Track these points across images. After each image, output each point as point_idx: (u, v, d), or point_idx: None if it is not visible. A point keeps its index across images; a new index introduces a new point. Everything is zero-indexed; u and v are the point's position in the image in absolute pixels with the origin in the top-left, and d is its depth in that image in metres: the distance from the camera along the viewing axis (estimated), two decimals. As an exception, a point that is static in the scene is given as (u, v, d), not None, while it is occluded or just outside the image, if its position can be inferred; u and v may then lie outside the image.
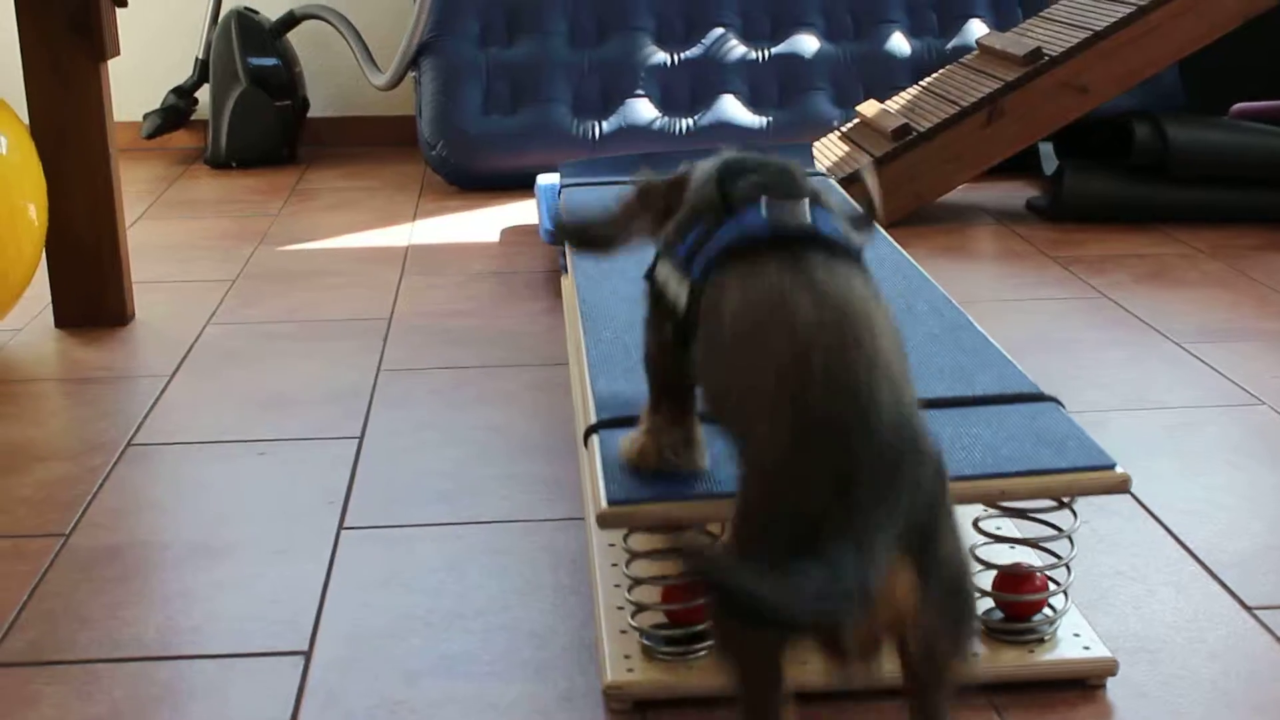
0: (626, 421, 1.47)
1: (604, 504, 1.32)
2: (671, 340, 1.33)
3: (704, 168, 1.36)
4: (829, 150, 3.49)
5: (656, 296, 1.36)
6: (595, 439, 1.45)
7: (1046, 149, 3.74)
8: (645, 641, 1.41)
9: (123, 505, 1.89)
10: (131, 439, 2.12)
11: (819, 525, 1.00)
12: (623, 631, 1.44)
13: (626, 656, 1.40)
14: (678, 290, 1.30)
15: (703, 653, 1.40)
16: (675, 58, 3.90)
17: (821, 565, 0.96)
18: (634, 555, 1.40)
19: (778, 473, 1.05)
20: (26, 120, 2.58)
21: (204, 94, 4.23)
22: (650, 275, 1.37)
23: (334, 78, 4.45)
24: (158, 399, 2.28)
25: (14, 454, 2.08)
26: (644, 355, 1.39)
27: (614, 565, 1.57)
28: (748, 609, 0.95)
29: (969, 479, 1.34)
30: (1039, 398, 1.51)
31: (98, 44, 2.55)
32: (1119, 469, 1.36)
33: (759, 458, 1.09)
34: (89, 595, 1.65)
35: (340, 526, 1.82)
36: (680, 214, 1.34)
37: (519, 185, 3.73)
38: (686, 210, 1.33)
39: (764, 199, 1.25)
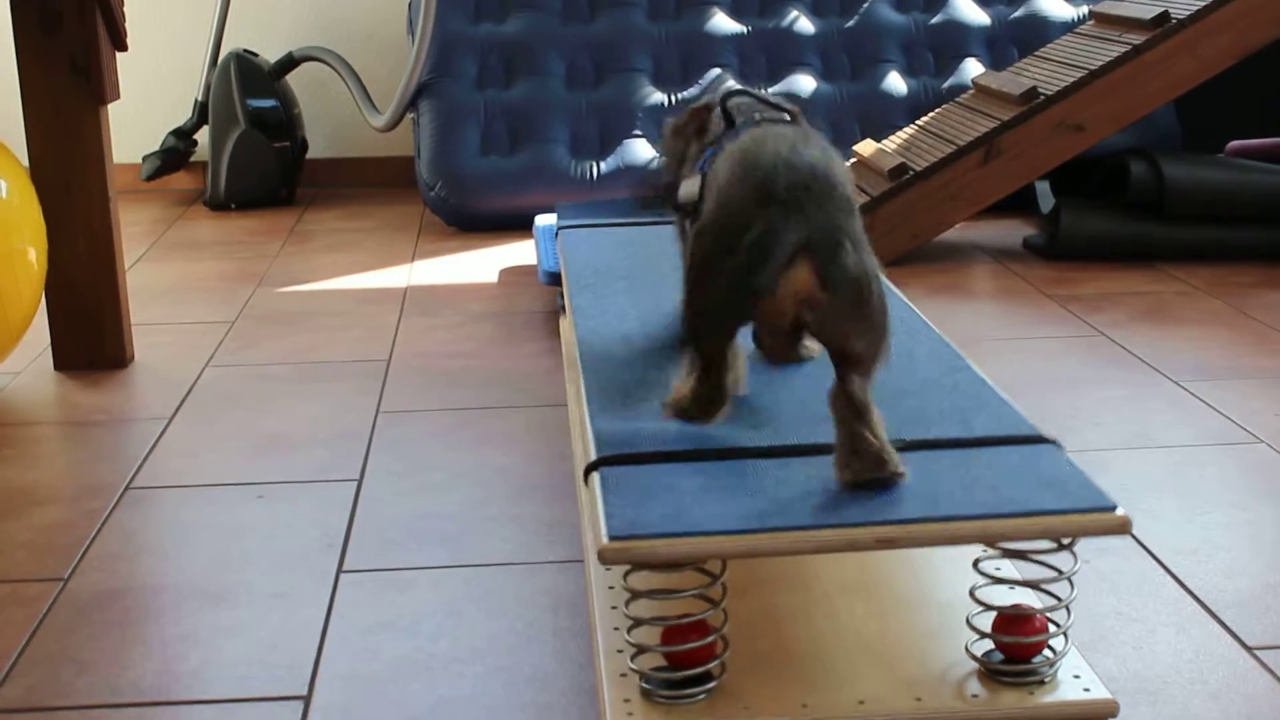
0: (626, 459, 1.47)
1: (605, 539, 1.32)
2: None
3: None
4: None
5: (679, 214, 1.72)
6: (596, 476, 1.45)
7: (1043, 187, 3.75)
8: (645, 685, 1.41)
9: (121, 549, 1.89)
10: (130, 482, 2.12)
11: (745, 226, 1.38)
12: (622, 675, 1.44)
13: (626, 700, 1.40)
14: (692, 187, 1.64)
15: (701, 696, 1.39)
16: (672, 98, 3.92)
17: (737, 255, 1.37)
18: (634, 594, 1.40)
19: (724, 198, 1.43)
20: (26, 163, 2.59)
21: (203, 136, 4.25)
22: (677, 205, 1.70)
23: (333, 119, 4.47)
24: (156, 442, 2.29)
25: (13, 497, 2.07)
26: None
27: (613, 608, 1.57)
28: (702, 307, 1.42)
29: (970, 519, 1.34)
30: (1039, 440, 1.51)
31: (98, 87, 2.57)
32: (1120, 511, 1.36)
33: (716, 198, 1.45)
34: (87, 640, 1.65)
35: (339, 570, 1.81)
36: (697, 146, 1.71)
37: (517, 226, 3.74)
38: (702, 144, 1.70)
39: (758, 116, 1.63)
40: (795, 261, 1.37)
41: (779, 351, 1.49)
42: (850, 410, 1.41)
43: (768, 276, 1.36)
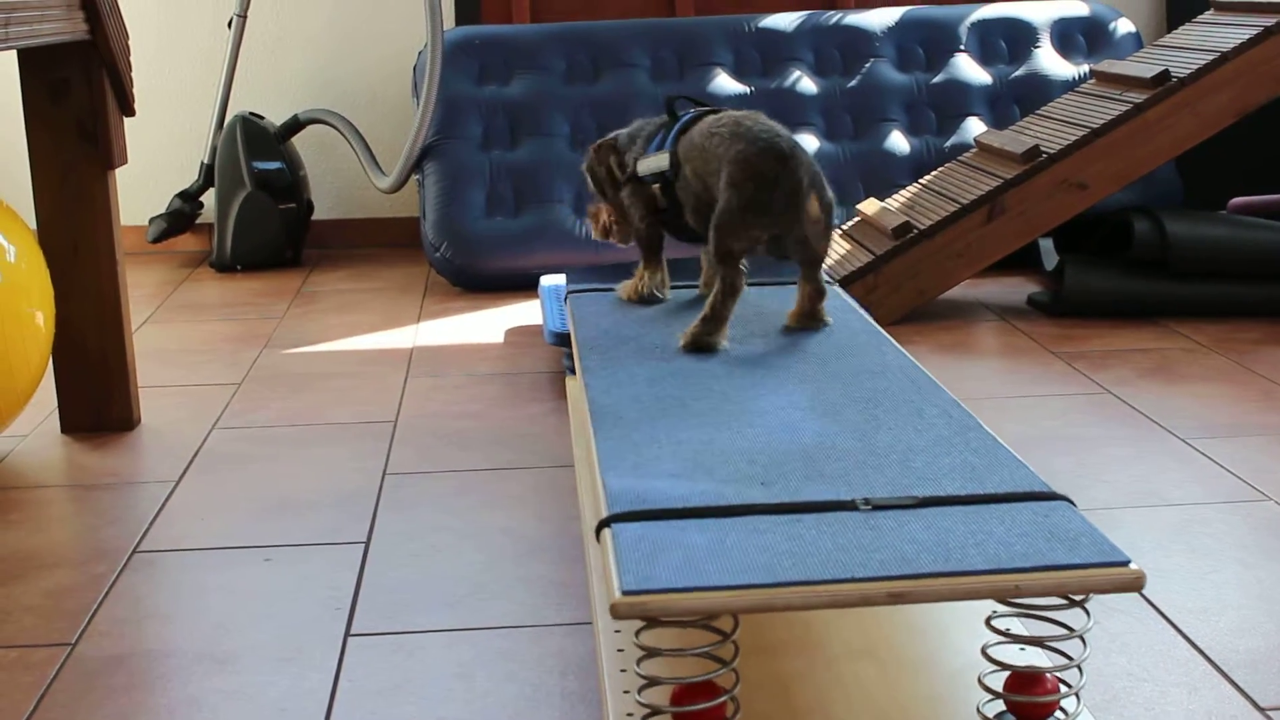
0: (639, 515, 1.47)
1: (618, 594, 1.32)
2: (656, 196, 2.30)
3: (636, 125, 2.40)
4: (830, 249, 3.50)
5: (638, 185, 2.32)
6: (608, 532, 1.45)
7: (1047, 245, 3.76)
8: (655, 749, 1.40)
9: (129, 613, 1.89)
10: (137, 546, 2.12)
11: (773, 178, 2.04)
12: (632, 739, 1.43)
13: (637, 764, 1.39)
14: (659, 160, 2.25)
15: (713, 760, 1.38)
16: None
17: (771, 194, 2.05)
18: (646, 652, 1.39)
19: (744, 162, 2.05)
20: (34, 227, 2.60)
21: (209, 198, 4.26)
22: (631, 178, 2.33)
23: (338, 181, 4.50)
24: (163, 505, 2.28)
25: (20, 561, 2.07)
26: (634, 230, 2.38)
27: (623, 670, 1.56)
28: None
29: (983, 574, 1.34)
30: (1051, 496, 1.51)
31: (106, 152, 2.58)
32: (1134, 565, 1.36)
33: (734, 165, 2.06)
34: (95, 705, 1.64)
35: (347, 633, 1.81)
36: (640, 141, 2.34)
37: (522, 286, 3.75)
38: (643, 137, 2.34)
39: (693, 109, 2.29)
40: (808, 195, 2.05)
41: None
42: (817, 295, 2.15)
43: (794, 206, 2.05)
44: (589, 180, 2.48)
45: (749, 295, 2.29)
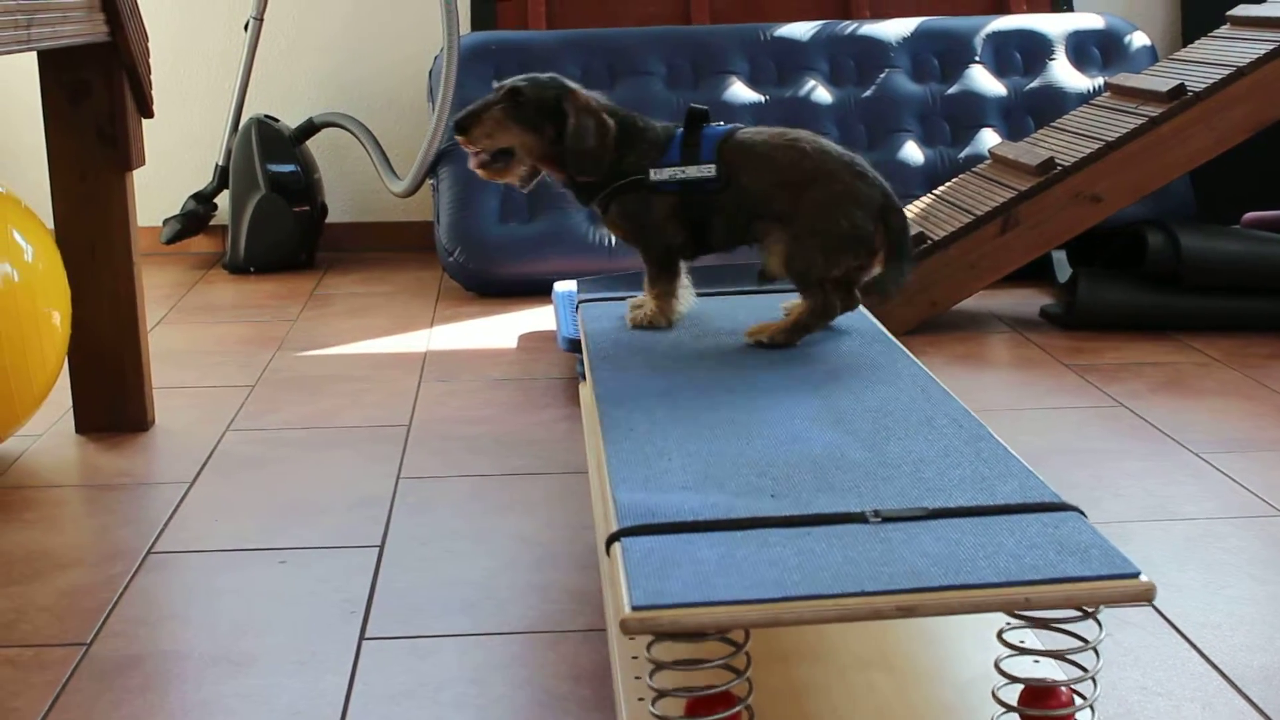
0: (649, 529, 1.47)
1: (628, 609, 1.32)
2: (675, 209, 2.14)
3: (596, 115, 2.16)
4: None
5: (656, 196, 2.13)
6: (618, 546, 1.45)
7: (1060, 257, 3.76)
8: (669, 757, 1.40)
9: (143, 614, 1.89)
10: (152, 547, 2.12)
11: (862, 206, 2.07)
12: (647, 747, 1.43)
13: (651, 772, 1.39)
14: (699, 170, 2.13)
15: (727, 769, 1.38)
16: (690, 166, 3.94)
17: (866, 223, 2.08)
18: (658, 666, 1.40)
19: (839, 188, 2.07)
20: (52, 227, 2.61)
21: (223, 200, 4.28)
22: (641, 186, 2.14)
23: (352, 184, 4.50)
24: (178, 506, 2.29)
25: (35, 561, 2.08)
26: (653, 245, 2.19)
27: (637, 678, 1.57)
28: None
29: (993, 586, 1.34)
30: (1061, 507, 1.51)
31: (124, 154, 2.59)
32: (1144, 577, 1.36)
33: (825, 198, 2.07)
34: (109, 706, 1.65)
35: (361, 637, 1.81)
36: (634, 152, 2.14)
37: (536, 292, 3.76)
38: (643, 147, 2.14)
39: (724, 124, 2.19)
40: (904, 240, 2.10)
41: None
42: (853, 302, 2.17)
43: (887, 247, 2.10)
44: (529, 103, 2.13)
45: (757, 302, 2.30)
